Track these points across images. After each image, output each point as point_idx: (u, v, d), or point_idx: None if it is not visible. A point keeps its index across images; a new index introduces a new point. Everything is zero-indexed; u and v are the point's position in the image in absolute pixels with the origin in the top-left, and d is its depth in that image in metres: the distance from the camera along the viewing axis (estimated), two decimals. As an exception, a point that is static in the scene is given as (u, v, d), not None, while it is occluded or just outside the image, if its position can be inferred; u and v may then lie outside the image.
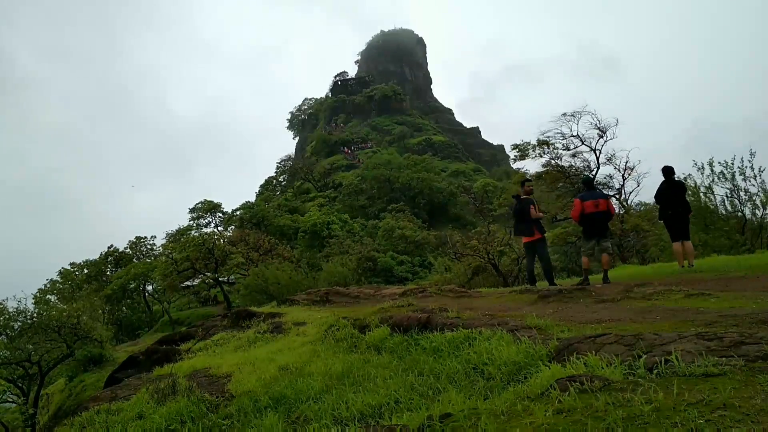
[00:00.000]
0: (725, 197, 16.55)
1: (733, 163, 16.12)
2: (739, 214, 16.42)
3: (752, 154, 15.70)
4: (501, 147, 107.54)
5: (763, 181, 15.58)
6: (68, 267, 49.33)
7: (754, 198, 15.83)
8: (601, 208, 9.22)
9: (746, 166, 15.78)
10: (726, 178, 16.32)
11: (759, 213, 15.92)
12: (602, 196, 9.49)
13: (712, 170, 16.61)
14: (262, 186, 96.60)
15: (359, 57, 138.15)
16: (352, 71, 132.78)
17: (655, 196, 10.36)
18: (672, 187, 9.88)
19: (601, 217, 9.28)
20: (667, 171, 9.98)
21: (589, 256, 9.71)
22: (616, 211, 24.34)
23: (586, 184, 9.95)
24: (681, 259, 9.87)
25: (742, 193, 16.09)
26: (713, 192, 16.71)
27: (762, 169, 15.54)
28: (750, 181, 15.75)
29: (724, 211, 16.77)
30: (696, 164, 16.97)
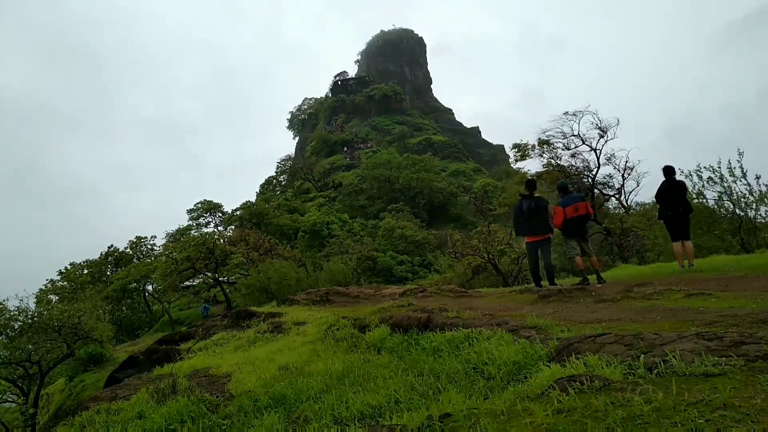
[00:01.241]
0: (715, 200, 16.68)
1: (720, 167, 16.22)
2: (731, 215, 16.48)
3: (740, 154, 15.79)
4: (501, 147, 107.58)
5: (749, 183, 15.71)
6: (68, 267, 49.37)
7: (746, 198, 15.90)
8: (580, 212, 9.33)
9: (735, 167, 15.88)
10: (715, 182, 16.43)
11: (751, 214, 15.99)
12: (580, 200, 9.58)
13: (700, 177, 16.75)
14: (262, 186, 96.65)
15: (359, 57, 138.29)
16: (352, 71, 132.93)
17: (656, 196, 10.33)
18: (672, 187, 9.83)
19: (581, 220, 9.40)
20: (668, 171, 9.93)
21: (578, 255, 9.61)
22: (616, 211, 24.38)
23: (562, 190, 9.91)
24: (681, 259, 9.85)
25: (734, 195, 16.17)
26: (705, 196, 16.83)
27: (746, 171, 15.70)
28: (741, 180, 15.83)
29: (717, 212, 16.83)
30: (683, 172, 17.08)
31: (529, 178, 13.43)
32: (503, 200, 29.97)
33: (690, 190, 16.77)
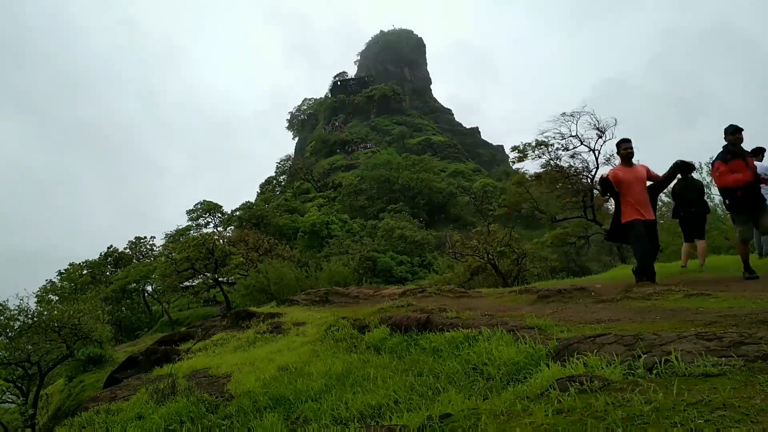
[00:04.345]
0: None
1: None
2: None
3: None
4: (500, 147, 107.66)
5: None
6: (68, 267, 49.36)
7: None
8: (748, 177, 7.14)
9: None
10: None
11: None
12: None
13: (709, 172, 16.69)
14: (262, 186, 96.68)
15: (359, 57, 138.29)
16: (352, 71, 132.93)
17: (671, 193, 10.26)
18: (688, 187, 9.67)
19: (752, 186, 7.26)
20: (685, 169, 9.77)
21: (748, 239, 7.66)
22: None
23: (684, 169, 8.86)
24: (686, 259, 9.84)
25: None
26: (711, 192, 16.78)
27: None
28: None
29: (722, 212, 16.83)
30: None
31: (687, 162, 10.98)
32: (503, 201, 29.97)
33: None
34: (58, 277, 48.21)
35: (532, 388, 3.08)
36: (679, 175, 9.20)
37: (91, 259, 51.71)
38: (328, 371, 5.32)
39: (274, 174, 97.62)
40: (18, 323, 20.67)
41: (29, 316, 20.95)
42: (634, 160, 7.98)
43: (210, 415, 4.78)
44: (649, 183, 7.83)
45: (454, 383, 4.10)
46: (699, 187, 9.88)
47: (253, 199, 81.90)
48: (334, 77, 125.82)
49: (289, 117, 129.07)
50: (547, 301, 7.59)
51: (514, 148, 24.73)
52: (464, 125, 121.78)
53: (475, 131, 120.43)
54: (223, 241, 37.86)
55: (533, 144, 23.38)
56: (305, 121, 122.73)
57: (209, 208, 62.63)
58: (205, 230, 56.80)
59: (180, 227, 58.24)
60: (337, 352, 6.25)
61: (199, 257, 33.53)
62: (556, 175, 22.98)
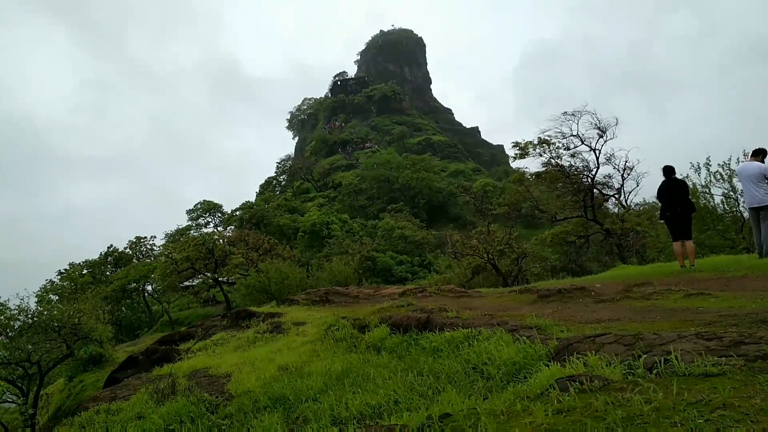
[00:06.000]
0: (723, 197, 16.67)
1: (729, 162, 16.20)
2: (737, 213, 16.48)
3: (745, 155, 15.84)
4: (500, 147, 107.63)
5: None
6: (68, 267, 49.36)
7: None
8: None
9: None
10: (723, 179, 16.43)
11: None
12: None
13: (708, 171, 16.72)
14: (262, 186, 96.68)
15: (359, 57, 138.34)
16: (352, 71, 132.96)
17: (657, 196, 10.40)
18: (671, 187, 9.84)
19: None
20: (667, 170, 9.98)
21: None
22: (615, 210, 24.32)
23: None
24: (681, 258, 9.87)
25: (738, 194, 16.17)
26: (711, 192, 16.83)
27: None
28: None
29: (721, 211, 16.86)
30: (693, 165, 17.12)
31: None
32: (502, 199, 29.95)
33: (696, 183, 16.86)
34: (58, 277, 48.21)
35: (532, 387, 3.08)
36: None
37: (91, 259, 51.74)
38: (328, 371, 5.32)
39: (274, 174, 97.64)
40: (18, 323, 20.66)
41: (29, 315, 20.94)
42: None
43: (210, 415, 4.78)
44: None
45: (454, 383, 4.10)
46: (682, 187, 9.94)
47: (253, 199, 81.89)
48: (334, 77, 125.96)
49: (288, 117, 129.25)
50: (547, 301, 7.59)
51: (515, 144, 24.62)
52: (464, 125, 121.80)
53: (475, 131, 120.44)
54: (223, 241, 37.86)
55: (535, 142, 23.33)
56: (305, 120, 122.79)
57: (209, 207, 62.63)
58: (205, 230, 56.85)
59: (180, 227, 58.28)
60: (337, 351, 6.25)
61: (199, 257, 33.52)
62: (556, 174, 22.93)
